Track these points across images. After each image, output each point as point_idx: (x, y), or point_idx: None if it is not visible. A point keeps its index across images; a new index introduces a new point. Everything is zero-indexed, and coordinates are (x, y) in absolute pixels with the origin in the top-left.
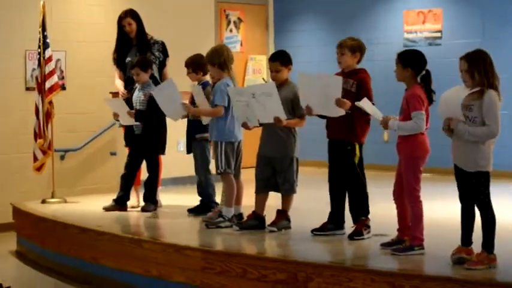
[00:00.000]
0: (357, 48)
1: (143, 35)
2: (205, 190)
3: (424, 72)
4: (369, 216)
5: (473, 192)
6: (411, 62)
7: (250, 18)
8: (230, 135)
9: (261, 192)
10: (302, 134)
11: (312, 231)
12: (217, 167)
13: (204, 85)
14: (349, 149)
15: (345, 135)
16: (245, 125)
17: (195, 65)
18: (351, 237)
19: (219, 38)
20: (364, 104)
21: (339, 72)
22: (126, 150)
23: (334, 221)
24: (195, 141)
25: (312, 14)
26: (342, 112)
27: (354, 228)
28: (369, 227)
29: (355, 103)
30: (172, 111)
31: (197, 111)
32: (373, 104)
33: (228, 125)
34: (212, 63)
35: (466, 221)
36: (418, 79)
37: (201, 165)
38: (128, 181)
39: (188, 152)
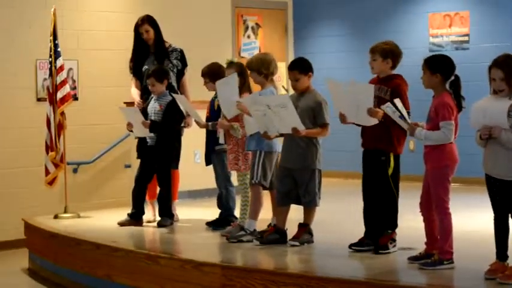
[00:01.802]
0: (389, 53)
1: (161, 43)
2: (226, 203)
3: (452, 77)
4: (396, 230)
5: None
6: (440, 67)
7: (268, 24)
8: (270, 145)
9: (282, 205)
10: (329, 143)
11: (350, 246)
12: (251, 177)
13: None
14: (383, 160)
15: (380, 144)
16: (265, 135)
17: (213, 74)
18: (376, 251)
19: (236, 44)
20: (390, 109)
21: (374, 78)
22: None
23: (372, 236)
24: (214, 153)
25: (333, 19)
26: (374, 121)
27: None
28: (394, 240)
29: (381, 106)
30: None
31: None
32: (408, 112)
33: None
34: (259, 72)
35: (501, 233)
36: (447, 85)
37: (222, 177)
38: (138, 196)
39: (207, 163)
